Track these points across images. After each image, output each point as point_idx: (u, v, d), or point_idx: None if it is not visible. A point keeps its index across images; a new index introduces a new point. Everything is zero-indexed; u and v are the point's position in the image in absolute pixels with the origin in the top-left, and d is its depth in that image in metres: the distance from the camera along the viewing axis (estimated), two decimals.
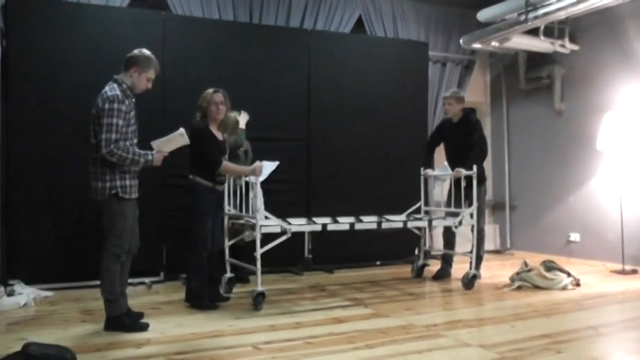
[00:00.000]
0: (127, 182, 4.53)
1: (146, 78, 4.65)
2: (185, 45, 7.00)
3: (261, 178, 6.03)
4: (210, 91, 5.48)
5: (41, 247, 6.24)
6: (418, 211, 7.05)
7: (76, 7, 6.57)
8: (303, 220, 6.16)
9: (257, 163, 5.53)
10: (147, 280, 6.54)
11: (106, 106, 4.39)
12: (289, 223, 5.69)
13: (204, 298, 5.41)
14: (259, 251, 5.33)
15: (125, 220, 4.56)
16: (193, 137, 5.25)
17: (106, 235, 4.56)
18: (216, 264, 5.65)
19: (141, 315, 4.92)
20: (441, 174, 6.95)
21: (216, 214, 5.57)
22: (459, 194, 6.63)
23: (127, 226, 4.57)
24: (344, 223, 6.00)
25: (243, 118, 6.44)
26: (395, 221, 6.34)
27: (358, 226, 6.02)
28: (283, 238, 5.51)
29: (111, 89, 4.48)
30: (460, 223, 6.46)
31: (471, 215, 6.51)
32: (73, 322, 4.94)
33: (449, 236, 7.01)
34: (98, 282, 4.69)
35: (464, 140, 6.81)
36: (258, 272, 5.36)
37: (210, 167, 5.36)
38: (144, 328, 4.65)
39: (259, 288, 5.37)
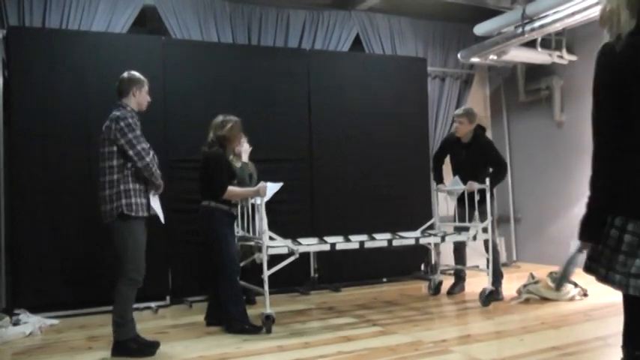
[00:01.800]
0: (132, 200, 4.49)
1: (145, 92, 4.78)
2: (185, 68, 7.04)
3: (265, 199, 6.03)
4: (237, 120, 5.51)
5: (46, 275, 6.21)
6: (431, 227, 7.00)
7: (76, 35, 6.62)
8: (312, 240, 6.14)
9: (261, 184, 5.50)
10: (153, 304, 6.50)
11: (121, 124, 4.45)
12: (299, 243, 5.68)
13: (246, 322, 5.29)
14: (266, 273, 5.29)
15: (136, 240, 4.52)
16: (208, 162, 5.34)
17: (120, 260, 4.51)
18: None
19: (156, 344, 4.75)
20: (453, 188, 6.80)
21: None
22: (472, 207, 6.50)
23: (139, 248, 4.54)
24: (354, 241, 5.96)
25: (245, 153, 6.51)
26: (406, 238, 6.31)
27: (369, 245, 5.97)
28: (292, 258, 5.48)
29: (117, 111, 4.55)
30: (475, 237, 6.37)
31: (485, 229, 6.38)
32: (79, 349, 4.90)
33: (460, 251, 6.99)
34: (103, 308, 4.67)
35: (476, 161, 6.61)
36: (266, 294, 5.31)
37: (216, 193, 5.32)
38: (151, 353, 4.59)
39: (268, 311, 5.31)
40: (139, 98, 4.71)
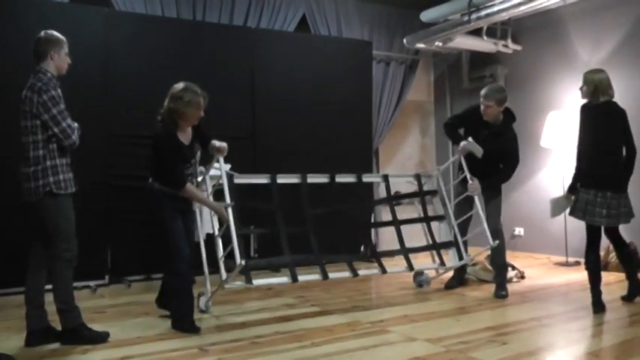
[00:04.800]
0: (61, 177, 4.23)
1: (65, 54, 4.38)
2: (128, 42, 6.85)
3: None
4: (199, 94, 4.75)
5: None
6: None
7: (14, 1, 6.34)
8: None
9: (224, 204, 4.93)
10: (91, 283, 6.38)
11: (44, 97, 4.13)
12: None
13: (184, 319, 4.70)
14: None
15: (67, 218, 4.28)
16: (159, 146, 4.70)
17: (52, 240, 4.25)
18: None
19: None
20: (473, 147, 5.94)
21: (184, 220, 4.87)
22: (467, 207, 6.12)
23: (71, 226, 4.30)
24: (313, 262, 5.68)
25: None
26: (387, 253, 6.07)
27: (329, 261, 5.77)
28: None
29: (38, 79, 4.22)
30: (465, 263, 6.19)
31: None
32: (15, 330, 4.72)
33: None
34: (20, 289, 4.41)
35: (494, 150, 5.93)
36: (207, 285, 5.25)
37: (172, 186, 4.69)
38: (104, 338, 4.37)
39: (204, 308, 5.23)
40: (58, 61, 4.32)
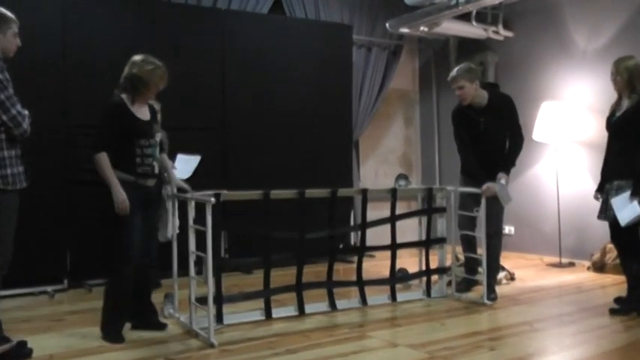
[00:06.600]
0: (8, 171, 4.07)
1: (12, 34, 4.21)
2: (88, 24, 6.75)
3: (185, 175, 5.86)
4: (162, 67, 4.70)
5: None
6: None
7: None
8: None
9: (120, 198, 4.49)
10: (49, 288, 6.30)
11: None
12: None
13: (110, 325, 4.60)
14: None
15: (7, 219, 4.10)
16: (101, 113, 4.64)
17: None
18: (142, 280, 4.86)
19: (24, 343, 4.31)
20: (504, 194, 5.74)
21: (145, 215, 4.71)
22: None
23: (10, 228, 4.11)
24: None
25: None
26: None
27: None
28: None
29: None
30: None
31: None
32: None
33: (470, 238, 6.12)
34: None
35: (497, 130, 5.85)
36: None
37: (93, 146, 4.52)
38: (28, 354, 4.19)
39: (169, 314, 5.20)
40: (4, 42, 4.15)
